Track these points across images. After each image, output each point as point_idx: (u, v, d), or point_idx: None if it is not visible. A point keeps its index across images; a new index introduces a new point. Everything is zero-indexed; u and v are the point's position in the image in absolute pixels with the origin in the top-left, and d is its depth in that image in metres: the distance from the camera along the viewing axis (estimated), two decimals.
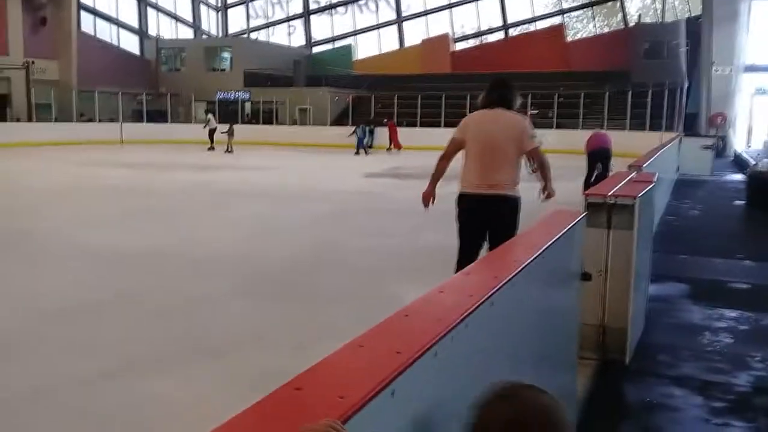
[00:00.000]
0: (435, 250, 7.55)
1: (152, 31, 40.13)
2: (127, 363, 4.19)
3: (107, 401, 3.65)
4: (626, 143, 18.88)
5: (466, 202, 4.66)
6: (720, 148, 21.91)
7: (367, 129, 28.67)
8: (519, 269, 1.83)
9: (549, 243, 2.20)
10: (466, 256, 4.58)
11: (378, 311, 4.99)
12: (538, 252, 2.05)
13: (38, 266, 6.85)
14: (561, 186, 11.85)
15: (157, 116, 33.54)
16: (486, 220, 4.58)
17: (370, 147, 28.40)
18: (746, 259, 7.15)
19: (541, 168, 4.84)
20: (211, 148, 25.63)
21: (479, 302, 1.50)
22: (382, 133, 29.10)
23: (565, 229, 2.49)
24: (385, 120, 29.04)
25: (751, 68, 25.66)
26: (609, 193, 3.76)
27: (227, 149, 24.67)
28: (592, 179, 12.05)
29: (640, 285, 4.24)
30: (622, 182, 4.48)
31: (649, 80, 27.41)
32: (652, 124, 25.64)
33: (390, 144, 28.03)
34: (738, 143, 25.99)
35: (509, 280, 1.71)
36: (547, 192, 4.84)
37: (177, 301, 5.53)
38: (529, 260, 1.94)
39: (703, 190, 14.29)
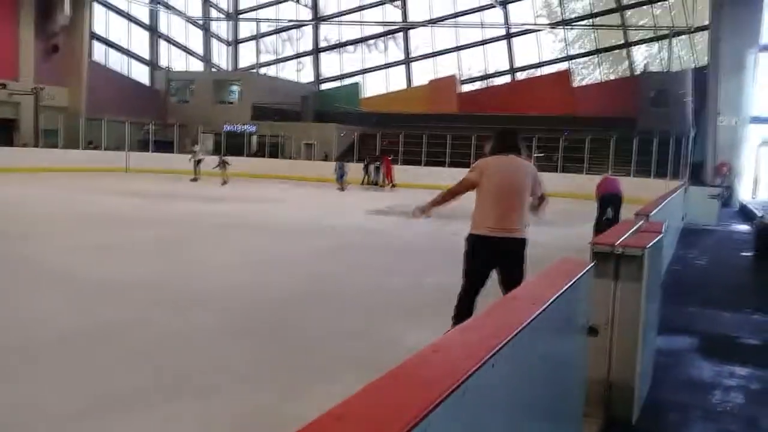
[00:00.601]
0: (437, 291, 7.38)
1: (163, 63, 40.57)
2: (101, 401, 3.99)
3: None
4: (631, 190, 18.76)
5: (481, 244, 4.85)
6: (726, 197, 21.78)
7: (372, 166, 28.74)
8: (522, 326, 1.66)
9: (555, 296, 2.04)
10: (470, 296, 4.90)
11: (373, 355, 4.83)
12: (543, 307, 1.89)
13: (21, 294, 6.68)
14: (568, 232, 11.81)
15: (163, 146, 33.66)
16: (499, 262, 4.85)
17: (376, 184, 28.41)
18: (756, 313, 6.93)
19: (541, 201, 5.12)
20: (194, 179, 25.29)
21: (478, 365, 1.33)
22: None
23: (572, 281, 2.33)
24: (380, 156, 29.17)
25: (757, 119, 25.63)
26: (617, 243, 3.59)
27: (223, 182, 24.22)
28: (602, 225, 11.93)
29: (648, 339, 4.05)
30: (630, 231, 4.32)
31: (655, 128, 27.44)
32: (657, 171, 25.58)
33: (384, 180, 28.05)
34: (743, 193, 25.85)
35: (511, 339, 1.54)
36: (541, 212, 5.18)
37: (162, 336, 5.35)
38: (533, 316, 1.78)
39: (710, 239, 14.10)
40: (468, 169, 5.09)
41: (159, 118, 36.66)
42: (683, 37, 33.00)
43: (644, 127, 29.49)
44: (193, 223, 13.09)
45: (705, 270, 10.12)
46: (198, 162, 25.85)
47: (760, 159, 28.00)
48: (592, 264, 2.85)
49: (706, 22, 28.04)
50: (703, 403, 4.22)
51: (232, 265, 8.57)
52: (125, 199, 17.17)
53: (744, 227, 16.98)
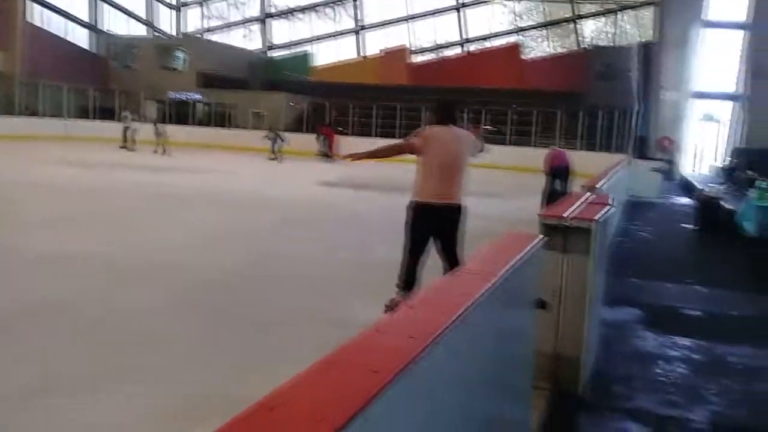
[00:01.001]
0: (387, 263, 7.30)
1: (104, 27, 39.02)
2: (48, 381, 3.80)
3: (23, 425, 3.27)
4: (578, 163, 19.03)
5: (425, 212, 5.06)
6: (668, 171, 22.33)
7: (322, 137, 28.36)
8: (472, 302, 1.57)
9: (505, 270, 1.96)
10: (415, 263, 5.12)
11: (327, 333, 4.71)
12: (494, 281, 1.80)
13: None
14: (517, 204, 11.86)
15: (106, 113, 32.52)
16: (440, 227, 5.12)
17: (326, 155, 28.06)
18: (697, 285, 7.10)
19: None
20: (124, 147, 24.65)
21: (425, 346, 1.23)
22: (337, 142, 28.84)
23: (523, 254, 2.25)
24: (322, 125, 28.75)
25: (700, 95, 26.29)
26: (566, 215, 3.55)
27: (156, 150, 23.42)
28: (552, 197, 12.07)
29: (595, 311, 4.06)
30: (578, 203, 4.29)
31: (602, 102, 27.86)
32: (602, 144, 26.02)
33: (329, 151, 27.65)
34: (685, 167, 26.57)
35: (461, 315, 1.45)
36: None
37: (109, 313, 5.12)
38: (484, 291, 1.69)
39: (653, 212, 14.43)
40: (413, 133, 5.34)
41: (101, 84, 35.34)
42: (630, 11, 33.46)
43: (591, 101, 29.90)
44: (137, 194, 12.68)
45: (648, 242, 10.33)
46: (127, 129, 25.08)
47: (701, 134, 28.81)
48: (542, 237, 2.79)
49: None
50: (647, 374, 4.27)
51: (178, 239, 8.29)
52: (65, 169, 16.51)
53: (685, 200, 17.45)
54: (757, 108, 17.84)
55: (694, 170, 27.50)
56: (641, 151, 24.93)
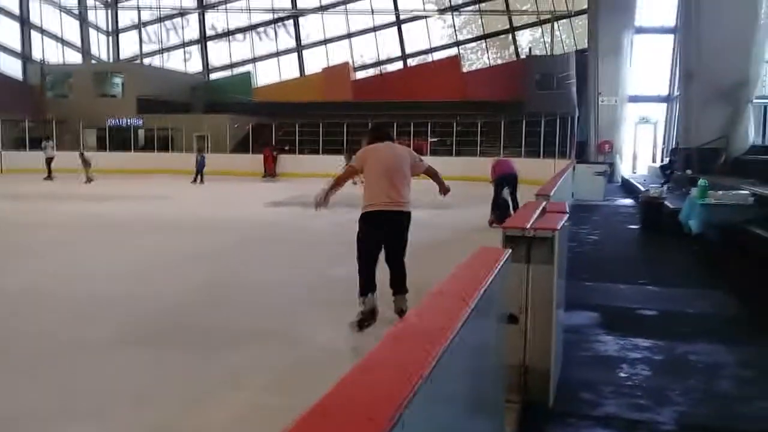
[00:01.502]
0: (345, 281, 7.23)
1: (36, 55, 37.93)
2: None
3: None
4: (523, 170, 19.39)
5: (375, 219, 5.45)
6: (609, 174, 22.91)
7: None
8: (457, 329, 1.53)
9: (482, 289, 1.93)
10: (370, 269, 5.46)
11: (283, 356, 4.60)
12: (474, 303, 1.77)
13: None
14: (466, 213, 11.91)
15: (41, 144, 31.54)
16: (388, 232, 5.52)
17: (274, 175, 27.91)
18: (649, 285, 7.25)
19: (434, 177, 6.11)
20: (48, 178, 24.07)
21: (416, 385, 1.18)
22: (284, 161, 28.69)
23: (495, 272, 2.23)
24: (263, 146, 28.89)
25: (635, 98, 27.14)
26: (527, 226, 3.56)
27: (86, 180, 22.65)
28: (500, 205, 12.22)
29: (559, 320, 4.07)
30: (536, 213, 4.32)
31: (542, 110, 28.46)
32: (545, 151, 26.55)
33: (266, 171, 27.67)
34: (624, 169, 27.32)
35: (448, 345, 1.41)
36: (445, 189, 6.20)
37: (50, 350, 4.90)
38: (466, 314, 1.65)
39: (598, 214, 14.74)
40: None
41: (35, 114, 34.28)
42: (564, 21, 34.39)
43: (531, 109, 30.52)
44: (76, 225, 12.27)
45: (597, 244, 10.53)
46: (50, 159, 24.49)
47: (637, 136, 29.74)
48: (509, 251, 2.78)
49: (585, 6, 29.29)
50: (612, 378, 4.31)
51: (121, 269, 8.03)
52: (2, 203, 15.90)
53: (628, 201, 17.93)
54: (689, 108, 18.48)
55: (634, 171, 28.32)
56: (582, 156, 25.55)
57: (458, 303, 1.74)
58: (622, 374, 4.40)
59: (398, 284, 5.62)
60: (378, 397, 1.11)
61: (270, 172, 27.71)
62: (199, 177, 24.05)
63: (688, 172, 16.68)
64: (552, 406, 3.68)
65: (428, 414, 1.28)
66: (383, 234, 5.50)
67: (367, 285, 5.44)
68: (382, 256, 5.65)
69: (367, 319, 5.43)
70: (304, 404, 3.59)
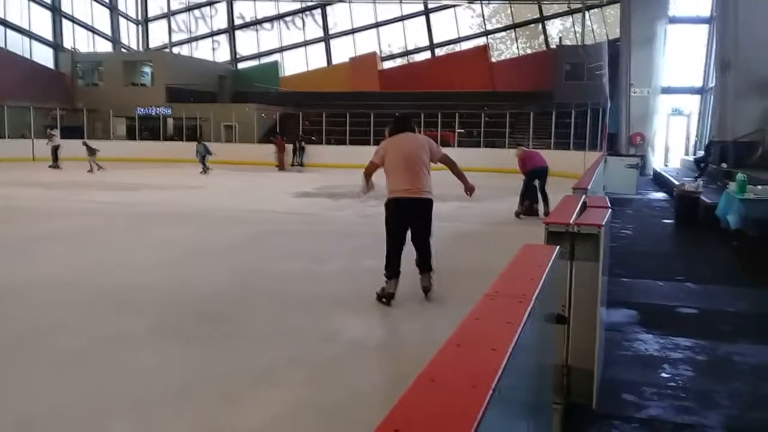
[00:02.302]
0: (374, 274, 7.16)
1: (67, 44, 38.36)
2: (19, 423, 3.57)
3: None
4: (551, 162, 19.18)
5: (397, 205, 5.86)
6: (641, 166, 22.50)
7: (298, 148, 28.27)
8: (519, 328, 1.43)
9: (537, 290, 1.83)
10: (397, 254, 5.92)
11: (315, 350, 4.54)
12: (531, 303, 1.67)
13: None
14: (496, 206, 11.93)
15: (73, 132, 31.95)
16: (411, 218, 5.92)
17: (301, 165, 27.94)
18: (687, 281, 7.05)
19: (454, 171, 6.37)
20: (54, 167, 24.08)
21: (489, 393, 1.09)
22: (311, 151, 28.68)
23: (547, 270, 2.12)
24: (273, 137, 28.61)
25: (667, 90, 26.59)
26: (570, 221, 3.43)
27: (90, 169, 22.49)
28: (529, 195, 12.07)
29: (601, 318, 3.94)
30: (577, 208, 4.18)
31: (572, 101, 28.05)
32: (575, 143, 26.18)
33: (281, 162, 27.50)
34: (656, 162, 26.83)
35: (511, 353, 1.31)
36: (469, 187, 6.37)
37: (86, 344, 4.87)
38: (525, 314, 1.55)
39: (631, 208, 14.46)
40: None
41: (66, 102, 34.75)
42: (595, 10, 33.80)
43: (561, 100, 30.11)
44: (108, 214, 12.35)
45: (632, 239, 10.31)
46: (56, 148, 24.49)
47: (670, 128, 29.15)
48: (557, 248, 2.67)
49: None
50: (654, 379, 4.17)
51: (153, 260, 8.03)
52: (32, 191, 16.10)
53: (660, 195, 17.57)
54: (725, 100, 18.04)
55: (666, 164, 27.79)
56: (612, 148, 25.12)
57: (516, 305, 1.64)
58: (665, 375, 4.26)
59: (424, 264, 6.06)
60: (449, 416, 1.02)
61: (281, 164, 27.38)
62: (204, 167, 23.54)
63: (724, 165, 16.29)
64: (595, 407, 3.56)
65: (496, 425, 1.19)
66: (406, 219, 5.91)
67: (391, 270, 5.92)
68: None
69: (385, 297, 5.94)
70: (341, 400, 3.53)
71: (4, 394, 3.97)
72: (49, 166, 24.05)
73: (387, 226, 5.96)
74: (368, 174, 6.12)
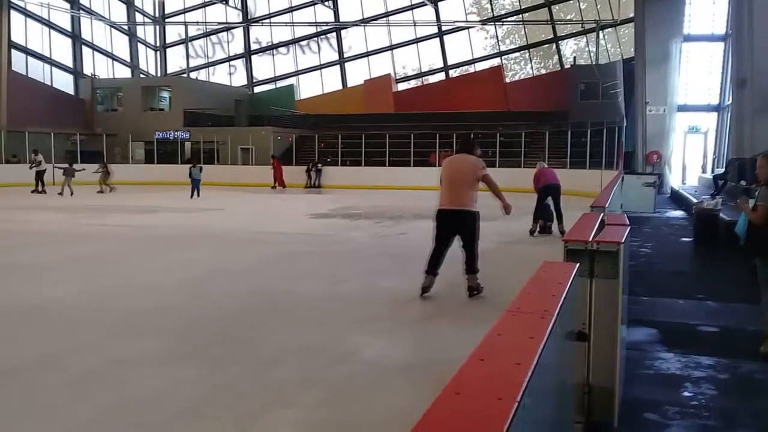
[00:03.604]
0: (390, 295, 7.17)
1: (87, 70, 39.07)
2: None
3: None
4: (569, 181, 19.19)
5: (440, 216, 6.86)
6: (658, 185, 22.38)
7: (314, 170, 28.57)
8: (541, 345, 1.45)
9: (558, 306, 1.84)
10: (438, 255, 6.82)
11: (330, 372, 4.54)
12: (552, 319, 1.68)
13: None
14: (513, 225, 12.03)
15: (92, 157, 32.43)
16: (454, 226, 6.81)
17: (318, 186, 28.18)
18: (708, 300, 6.99)
19: (493, 190, 7.10)
20: (37, 191, 23.42)
21: (512, 412, 1.10)
22: (327, 172, 28.91)
23: (567, 287, 2.13)
24: (271, 157, 29.08)
25: (684, 108, 26.51)
26: (590, 239, 3.43)
27: (60, 192, 22.09)
28: (542, 213, 12.06)
29: (622, 336, 3.92)
30: (596, 225, 4.18)
31: (587, 120, 28.04)
32: (591, 162, 26.12)
33: (275, 182, 27.67)
34: (673, 180, 26.68)
35: (535, 367, 1.33)
36: (505, 205, 7.21)
37: (99, 365, 4.87)
38: (548, 331, 1.57)
39: (649, 227, 14.38)
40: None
41: (85, 128, 35.32)
42: (609, 30, 33.87)
43: (576, 119, 30.11)
44: (125, 237, 12.48)
45: (651, 258, 10.24)
46: (41, 173, 24.00)
47: (687, 146, 28.99)
48: (577, 265, 2.68)
49: (631, 15, 28.82)
50: (676, 398, 4.13)
51: (169, 282, 8.07)
52: (52, 215, 16.31)
53: (679, 213, 17.46)
54: (742, 117, 17.96)
55: (683, 182, 27.61)
56: (629, 167, 25.02)
57: (538, 320, 1.66)
58: (687, 393, 4.22)
59: (469, 266, 6.83)
60: (475, 427, 1.03)
61: (280, 182, 27.56)
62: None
63: (742, 183, 16.16)
64: (617, 426, 3.53)
65: None
66: (446, 227, 6.82)
67: (430, 267, 6.81)
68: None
69: (422, 289, 6.81)
70: (357, 421, 3.53)
71: (18, 413, 4.00)
72: (32, 191, 23.37)
73: (434, 231, 6.92)
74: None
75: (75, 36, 38.82)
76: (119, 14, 41.30)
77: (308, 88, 41.02)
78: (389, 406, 4.09)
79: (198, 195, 22.10)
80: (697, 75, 26.56)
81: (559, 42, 36.84)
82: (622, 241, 3.40)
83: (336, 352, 5.23)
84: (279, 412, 4.04)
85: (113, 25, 40.69)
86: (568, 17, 36.67)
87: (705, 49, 26.63)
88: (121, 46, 41.85)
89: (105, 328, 5.92)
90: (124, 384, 4.52)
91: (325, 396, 4.33)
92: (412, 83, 40.27)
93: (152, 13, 42.76)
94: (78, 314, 6.43)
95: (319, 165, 28.98)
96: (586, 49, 36.17)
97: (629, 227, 4.10)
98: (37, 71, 36.07)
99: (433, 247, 6.84)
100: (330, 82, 40.64)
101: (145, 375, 4.71)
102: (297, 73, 41.38)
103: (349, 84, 40.19)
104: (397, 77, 39.50)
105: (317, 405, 4.17)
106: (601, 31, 33.33)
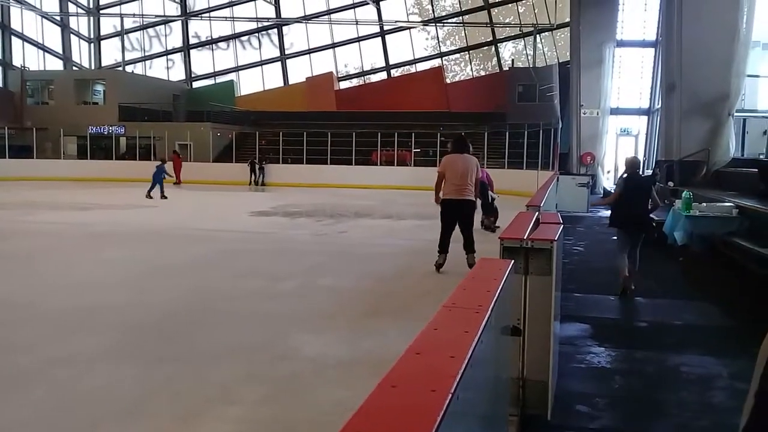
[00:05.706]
0: (330, 292, 7.19)
1: (17, 62, 37.54)
2: None
3: None
4: (506, 181, 19.63)
5: (447, 204, 8.20)
6: (591, 185, 23.06)
7: (257, 166, 28.22)
8: (475, 340, 1.50)
9: (493, 301, 1.90)
10: (446, 237, 8.27)
11: (272, 369, 4.52)
12: (487, 314, 1.74)
13: None
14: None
15: (22, 151, 31.17)
16: (457, 213, 8.20)
17: (263, 184, 27.89)
18: (637, 296, 7.27)
19: (476, 185, 8.41)
20: None
21: (447, 397, 1.14)
22: (270, 171, 28.64)
23: (502, 283, 2.20)
24: (174, 152, 28.71)
25: (616, 111, 27.41)
26: (524, 236, 3.53)
27: None
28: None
29: (555, 331, 4.05)
30: (531, 224, 4.30)
31: (524, 121, 28.65)
32: (527, 163, 26.71)
33: (177, 179, 26.87)
34: (606, 180, 27.54)
35: (469, 360, 1.37)
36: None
37: (35, 364, 4.75)
38: (481, 326, 1.62)
39: (582, 225, 14.83)
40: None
41: (15, 121, 33.91)
42: (546, 34, 34.70)
43: (514, 120, 30.72)
44: (59, 234, 12.07)
45: (584, 255, 10.57)
46: None
47: (619, 148, 30.01)
48: (512, 262, 2.75)
49: (567, 20, 29.59)
50: (607, 390, 4.30)
51: (105, 280, 7.87)
52: None
53: (609, 212, 18.01)
54: (671, 121, 18.68)
55: (615, 183, 28.51)
56: (564, 167, 25.72)
57: (473, 315, 1.71)
58: (616, 386, 4.39)
59: (468, 247, 8.29)
60: (410, 418, 1.07)
61: (178, 178, 26.21)
62: (159, 189, 20.65)
63: (670, 184, 16.81)
64: (550, 418, 3.65)
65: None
66: (451, 213, 8.20)
67: (441, 247, 8.28)
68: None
69: (436, 266, 8.24)
70: (299, 417, 3.53)
71: None
72: None
73: (441, 217, 8.32)
74: (438, 186, 8.28)
75: (4, 26, 37.24)
76: (51, 4, 39.79)
77: (249, 84, 40.51)
78: (331, 400, 4.11)
79: (162, 196, 20.50)
80: (629, 79, 27.48)
81: (498, 45, 37.49)
82: (556, 238, 3.51)
83: (278, 349, 5.22)
84: (222, 409, 4.01)
85: (45, 16, 39.17)
86: (507, 20, 37.37)
87: (637, 54, 27.59)
88: (53, 37, 40.35)
89: (38, 328, 5.73)
90: (60, 383, 4.41)
91: (268, 392, 4.31)
92: (354, 82, 40.28)
93: (86, 4, 41.36)
94: (9, 313, 6.21)
95: (264, 163, 28.66)
96: (524, 52, 36.95)
97: (563, 226, 4.23)
98: None
99: (442, 231, 8.25)
100: (271, 78, 40.24)
101: (82, 374, 4.59)
102: (237, 69, 40.79)
103: (291, 81, 39.88)
104: (339, 75, 39.44)
105: (260, 401, 4.16)
106: (538, 35, 34.10)
